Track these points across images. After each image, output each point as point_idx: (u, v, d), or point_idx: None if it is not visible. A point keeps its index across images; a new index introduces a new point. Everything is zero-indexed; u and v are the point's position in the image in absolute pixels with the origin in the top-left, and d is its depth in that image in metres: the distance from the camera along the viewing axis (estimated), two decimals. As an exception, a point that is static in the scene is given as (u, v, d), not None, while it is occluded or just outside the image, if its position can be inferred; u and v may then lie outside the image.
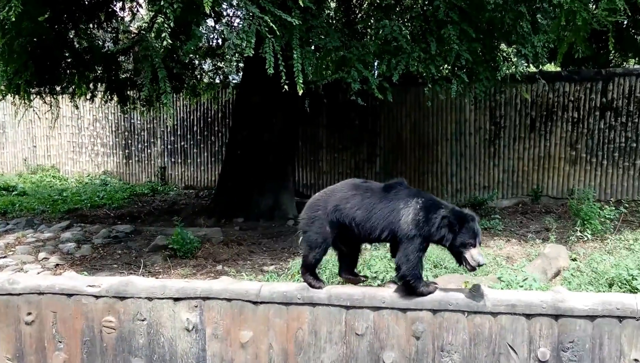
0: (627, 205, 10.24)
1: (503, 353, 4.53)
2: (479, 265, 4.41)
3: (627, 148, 12.66)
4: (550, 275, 6.68)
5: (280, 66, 6.98)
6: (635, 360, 4.38)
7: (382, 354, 4.64)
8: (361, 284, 5.07)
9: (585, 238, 8.31)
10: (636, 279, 5.76)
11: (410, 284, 4.53)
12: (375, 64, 8.93)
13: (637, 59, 20.17)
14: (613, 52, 19.06)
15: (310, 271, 4.81)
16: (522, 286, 5.73)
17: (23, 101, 10.00)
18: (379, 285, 5.70)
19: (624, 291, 5.67)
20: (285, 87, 7.07)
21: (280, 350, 4.77)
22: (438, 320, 4.58)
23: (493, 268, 6.69)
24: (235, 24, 10.94)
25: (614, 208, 8.97)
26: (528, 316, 4.49)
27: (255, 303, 4.78)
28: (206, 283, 4.97)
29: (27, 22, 7.84)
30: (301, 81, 7.12)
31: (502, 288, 5.53)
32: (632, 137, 12.61)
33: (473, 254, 4.37)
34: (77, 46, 11.01)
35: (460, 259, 4.50)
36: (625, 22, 17.94)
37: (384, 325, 4.64)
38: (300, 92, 7.16)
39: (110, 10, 11.03)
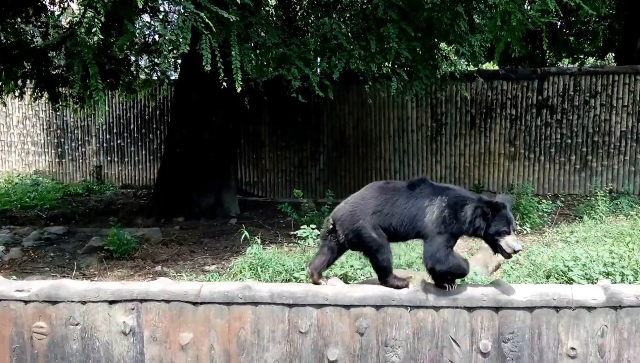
0: (563, 199, 10.56)
1: (446, 347, 4.57)
2: (515, 252, 4.42)
3: (563, 144, 13.13)
4: (491, 268, 6.77)
5: (218, 62, 6.84)
6: (572, 348, 4.50)
7: (326, 351, 4.62)
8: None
9: (525, 232, 8.49)
10: (572, 270, 5.89)
11: (441, 277, 4.55)
12: (318, 61, 8.91)
13: (570, 58, 20.94)
14: (548, 52, 19.73)
15: (388, 274, 4.70)
16: (463, 280, 5.76)
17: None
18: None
19: (560, 282, 5.79)
20: (224, 84, 6.94)
21: (222, 351, 4.67)
22: (381, 315, 4.58)
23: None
24: (173, 20, 10.72)
25: (551, 202, 9.22)
26: (469, 309, 4.55)
27: (195, 304, 4.67)
28: (143, 285, 4.82)
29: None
30: (240, 78, 6.99)
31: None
32: (567, 134, 13.08)
33: (508, 241, 4.38)
34: (3, 40, 10.57)
35: (495, 247, 4.51)
36: (559, 24, 18.59)
37: (327, 322, 4.61)
38: (239, 89, 7.03)
39: (39, 4, 10.62)
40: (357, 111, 13.90)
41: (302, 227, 7.12)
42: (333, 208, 9.66)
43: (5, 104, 12.64)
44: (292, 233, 7.61)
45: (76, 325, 4.72)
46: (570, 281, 5.71)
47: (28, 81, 11.45)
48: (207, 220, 10.24)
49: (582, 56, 21.39)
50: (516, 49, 11.96)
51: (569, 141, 13.13)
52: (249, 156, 14.53)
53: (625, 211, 9.62)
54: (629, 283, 5.60)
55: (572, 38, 20.33)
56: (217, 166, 10.67)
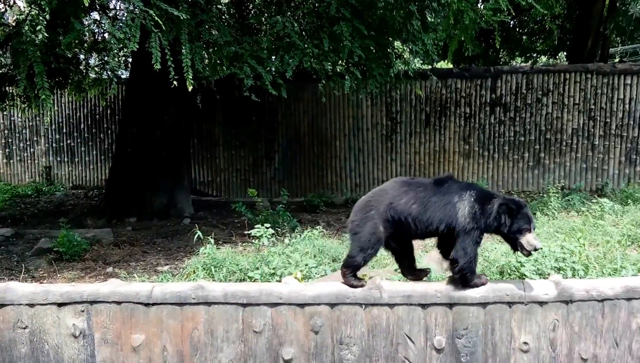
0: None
1: (401, 343, 4.59)
2: (535, 249, 4.44)
3: (516, 141, 13.39)
4: (446, 265, 6.76)
5: (168, 61, 6.75)
6: (525, 342, 4.57)
7: (281, 350, 4.60)
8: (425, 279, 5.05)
9: (479, 228, 8.57)
10: (524, 266, 5.98)
11: (466, 277, 4.53)
12: (273, 59, 8.88)
13: (523, 57, 21.31)
14: (501, 50, 20.04)
15: (353, 272, 4.71)
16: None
17: None
18: (277, 281, 5.63)
19: (513, 278, 5.88)
20: (175, 83, 6.85)
21: (175, 352, 4.62)
22: (336, 313, 4.58)
23: (390, 261, 6.77)
24: (123, 18, 10.54)
25: (504, 199, 9.34)
26: (424, 306, 4.58)
27: (147, 305, 4.60)
28: (93, 286, 4.72)
29: None
30: (191, 77, 6.91)
31: (399, 280, 5.59)
32: (520, 131, 13.33)
33: (529, 239, 4.40)
34: (-54, 39, 10.22)
35: (515, 245, 4.52)
36: (512, 23, 18.93)
37: (282, 321, 4.60)
38: (190, 88, 6.95)
39: (-17, 1, 10.30)
40: (312, 110, 13.91)
41: (256, 226, 7.09)
42: (288, 206, 9.69)
43: (-51, 104, 12.20)
44: (246, 232, 7.57)
45: (24, 328, 4.60)
46: (522, 276, 5.79)
47: (-27, 80, 11.11)
48: (160, 220, 10.11)
49: (535, 55, 21.77)
50: (470, 47, 12.14)
51: (522, 138, 13.39)
52: (202, 156, 14.40)
53: (577, 207, 9.76)
54: (580, 277, 5.69)
55: (524, 37, 20.69)
56: (169, 165, 10.54)
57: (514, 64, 21.11)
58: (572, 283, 4.71)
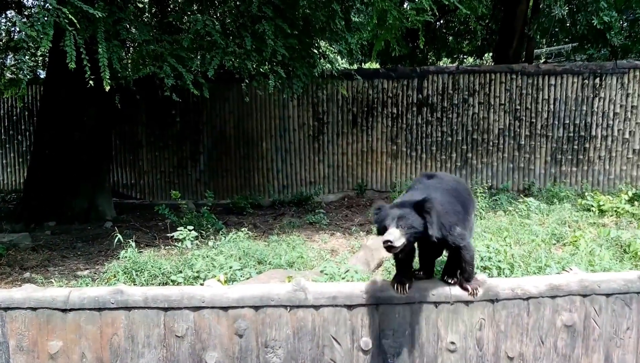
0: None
1: (327, 345, 4.60)
2: (385, 243, 4.04)
3: (443, 141, 13.48)
4: (373, 266, 6.78)
5: (84, 60, 6.55)
6: (452, 342, 4.63)
7: (205, 355, 4.56)
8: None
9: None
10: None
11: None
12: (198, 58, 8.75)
13: (449, 58, 21.67)
14: (428, 51, 20.28)
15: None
16: (344, 278, 5.80)
17: None
18: (200, 285, 5.58)
19: (439, 278, 5.99)
20: (91, 82, 6.66)
21: (94, 359, 4.52)
22: (261, 316, 4.57)
23: (317, 262, 6.80)
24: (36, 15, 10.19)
25: (432, 200, 9.44)
26: (349, 307, 4.59)
27: (64, 310, 4.49)
28: (7, 292, 4.57)
29: None
30: (108, 76, 6.73)
31: (325, 281, 5.62)
32: (447, 131, 13.42)
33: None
34: None
35: None
36: (438, 23, 19.20)
37: (205, 325, 4.56)
38: (107, 88, 6.77)
39: None
40: (237, 111, 13.76)
41: (179, 229, 6.99)
42: (214, 209, 9.56)
43: None
44: (169, 235, 7.46)
45: None
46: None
47: None
48: (80, 224, 9.83)
49: (461, 55, 22.07)
50: (396, 47, 12.24)
51: (450, 138, 13.44)
52: (125, 158, 14.05)
53: (504, 207, 9.88)
54: (506, 276, 5.80)
55: (451, 38, 20.98)
56: (89, 167, 10.25)
57: (441, 64, 21.37)
58: (498, 282, 4.78)
